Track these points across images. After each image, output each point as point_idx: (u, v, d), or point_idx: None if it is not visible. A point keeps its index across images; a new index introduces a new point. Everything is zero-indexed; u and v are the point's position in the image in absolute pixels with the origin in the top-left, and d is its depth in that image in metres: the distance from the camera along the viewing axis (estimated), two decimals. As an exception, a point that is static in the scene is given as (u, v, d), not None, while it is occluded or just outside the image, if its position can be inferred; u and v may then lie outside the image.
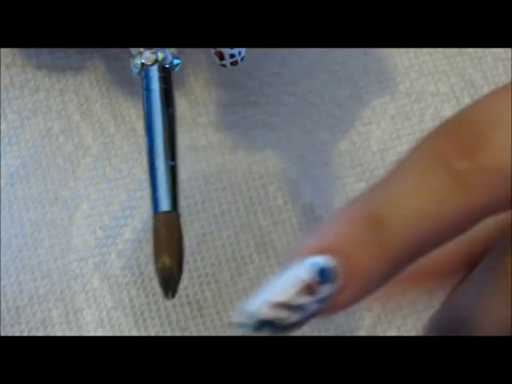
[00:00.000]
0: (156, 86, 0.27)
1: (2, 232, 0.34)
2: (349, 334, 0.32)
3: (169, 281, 0.23)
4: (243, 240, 0.34)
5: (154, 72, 0.28)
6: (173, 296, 0.23)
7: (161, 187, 0.23)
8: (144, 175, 0.35)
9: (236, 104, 0.36)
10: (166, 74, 0.28)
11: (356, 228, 0.21)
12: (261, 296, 0.20)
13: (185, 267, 0.34)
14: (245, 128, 0.36)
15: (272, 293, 0.21)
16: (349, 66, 0.37)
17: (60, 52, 0.36)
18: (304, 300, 0.20)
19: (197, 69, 0.36)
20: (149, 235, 0.34)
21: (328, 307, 0.21)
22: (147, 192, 0.34)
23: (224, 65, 0.29)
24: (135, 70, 0.28)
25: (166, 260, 0.23)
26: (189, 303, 0.33)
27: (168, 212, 0.23)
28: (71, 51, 0.36)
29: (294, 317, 0.20)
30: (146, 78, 0.28)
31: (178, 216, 0.23)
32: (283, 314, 0.20)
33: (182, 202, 0.35)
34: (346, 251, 0.21)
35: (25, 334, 0.33)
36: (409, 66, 0.37)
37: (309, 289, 0.20)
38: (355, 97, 0.36)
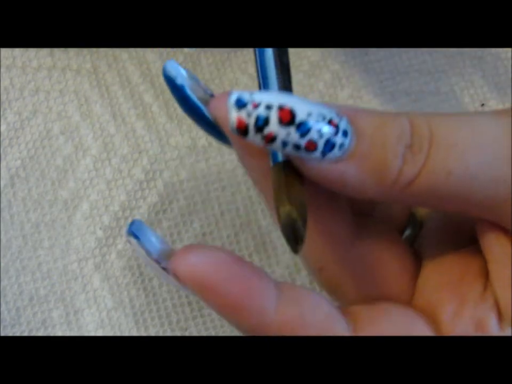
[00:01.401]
0: None
1: (2, 233, 0.34)
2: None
3: (294, 232, 0.21)
4: (243, 240, 0.34)
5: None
6: (297, 251, 0.21)
7: None
8: (143, 176, 0.35)
9: (236, 104, 0.36)
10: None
11: (399, 128, 0.21)
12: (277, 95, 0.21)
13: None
14: (245, 129, 0.36)
15: (290, 100, 0.21)
16: (349, 66, 0.37)
17: (60, 53, 0.36)
18: (315, 127, 0.21)
19: (197, 69, 0.36)
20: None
21: (325, 162, 0.21)
22: (147, 192, 0.34)
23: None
24: None
25: (287, 209, 0.21)
26: (189, 303, 0.33)
27: (285, 161, 0.22)
28: (71, 51, 0.36)
29: (294, 136, 0.21)
30: None
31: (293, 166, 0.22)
32: (287, 130, 0.21)
33: (182, 202, 0.35)
34: (376, 131, 0.21)
35: (26, 334, 0.33)
36: (409, 66, 0.37)
37: (330, 122, 0.21)
38: (355, 97, 0.36)
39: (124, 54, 0.36)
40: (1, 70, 0.36)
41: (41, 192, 0.34)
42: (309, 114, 0.21)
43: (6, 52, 0.36)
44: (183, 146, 0.35)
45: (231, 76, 0.36)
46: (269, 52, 0.25)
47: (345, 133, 0.21)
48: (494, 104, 0.36)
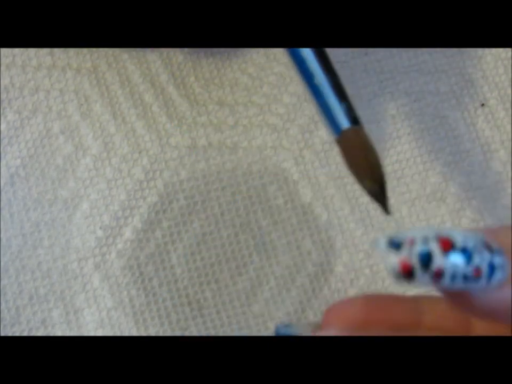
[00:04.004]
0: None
1: (2, 232, 0.34)
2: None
3: (379, 200, 0.22)
4: (243, 240, 0.34)
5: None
6: (388, 212, 0.22)
7: (333, 104, 0.21)
8: (143, 175, 0.35)
9: (236, 104, 0.36)
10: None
11: None
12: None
13: (185, 267, 0.34)
14: (245, 128, 0.36)
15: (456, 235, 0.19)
16: (349, 66, 0.37)
17: (60, 52, 0.36)
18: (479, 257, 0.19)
19: (197, 69, 0.36)
20: (149, 235, 0.34)
21: (486, 287, 0.20)
22: (147, 192, 0.34)
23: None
24: None
25: (368, 184, 0.21)
26: (189, 303, 0.33)
27: (350, 128, 0.21)
28: (71, 51, 0.36)
29: (462, 265, 0.19)
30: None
31: (362, 129, 0.21)
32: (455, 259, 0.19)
33: (182, 202, 0.35)
34: None
35: (25, 333, 0.33)
36: (409, 66, 0.37)
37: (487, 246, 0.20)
38: (355, 97, 0.36)
39: (124, 53, 0.36)
40: (1, 68, 0.36)
41: (41, 191, 0.34)
42: (466, 239, 0.19)
43: (6, 50, 0.36)
44: (183, 146, 0.35)
45: (231, 75, 0.36)
46: (308, 52, 0.24)
47: (499, 253, 0.20)
48: (494, 104, 0.36)
